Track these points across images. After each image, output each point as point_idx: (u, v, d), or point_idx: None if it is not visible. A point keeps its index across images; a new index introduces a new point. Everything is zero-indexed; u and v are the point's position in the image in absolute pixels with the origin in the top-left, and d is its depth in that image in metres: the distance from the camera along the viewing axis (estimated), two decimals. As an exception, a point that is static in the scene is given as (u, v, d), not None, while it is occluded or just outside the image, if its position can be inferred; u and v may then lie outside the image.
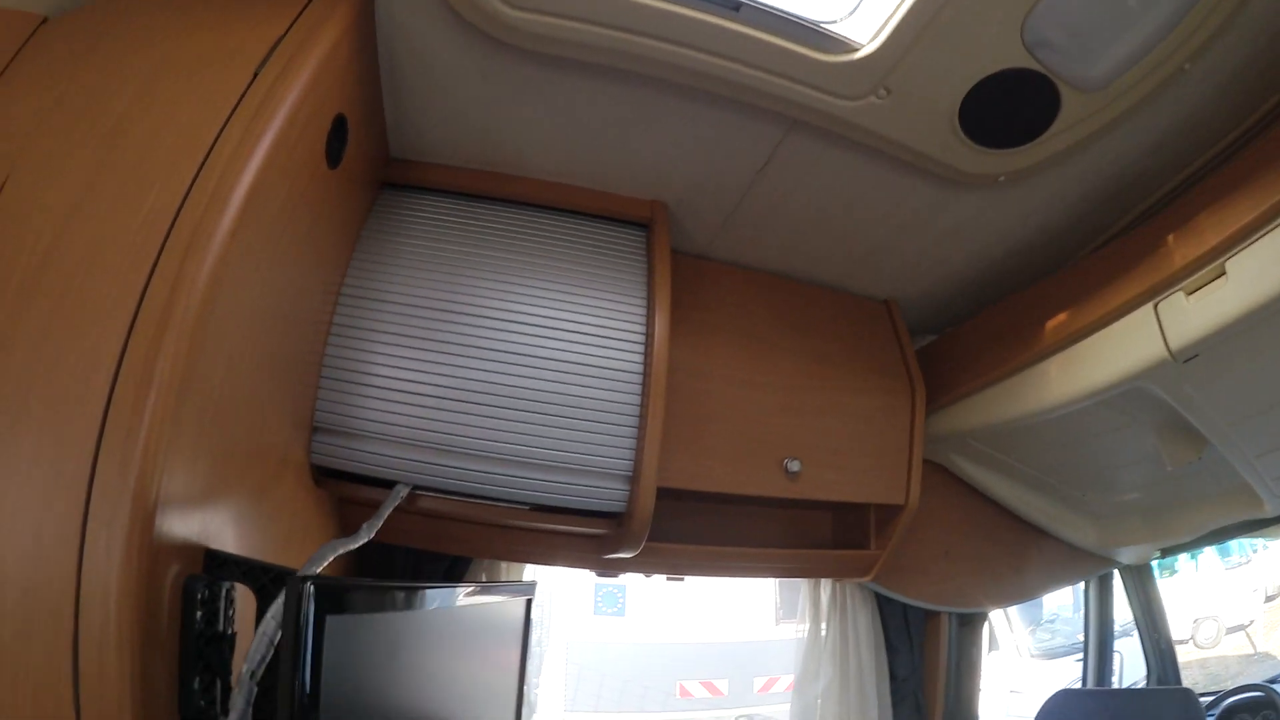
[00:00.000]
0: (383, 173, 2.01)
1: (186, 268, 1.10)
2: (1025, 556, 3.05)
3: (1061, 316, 2.08)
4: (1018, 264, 2.36)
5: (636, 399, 1.99)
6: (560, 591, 7.51)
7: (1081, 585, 3.40)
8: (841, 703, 2.65)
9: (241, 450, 1.34)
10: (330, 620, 1.01)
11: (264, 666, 1.09)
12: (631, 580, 7.57)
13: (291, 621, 0.96)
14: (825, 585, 2.69)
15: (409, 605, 1.33)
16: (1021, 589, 3.16)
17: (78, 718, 1.00)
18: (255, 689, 1.08)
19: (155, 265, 1.09)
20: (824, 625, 2.71)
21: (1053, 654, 6.54)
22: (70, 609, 1.01)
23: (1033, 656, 6.75)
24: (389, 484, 1.79)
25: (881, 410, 2.39)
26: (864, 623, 2.72)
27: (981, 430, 2.42)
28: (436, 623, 1.47)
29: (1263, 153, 1.75)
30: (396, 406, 1.84)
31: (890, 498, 2.33)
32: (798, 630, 2.78)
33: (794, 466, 2.19)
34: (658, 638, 7.35)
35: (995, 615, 5.30)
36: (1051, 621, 6.86)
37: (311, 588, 0.97)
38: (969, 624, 2.99)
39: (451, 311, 1.92)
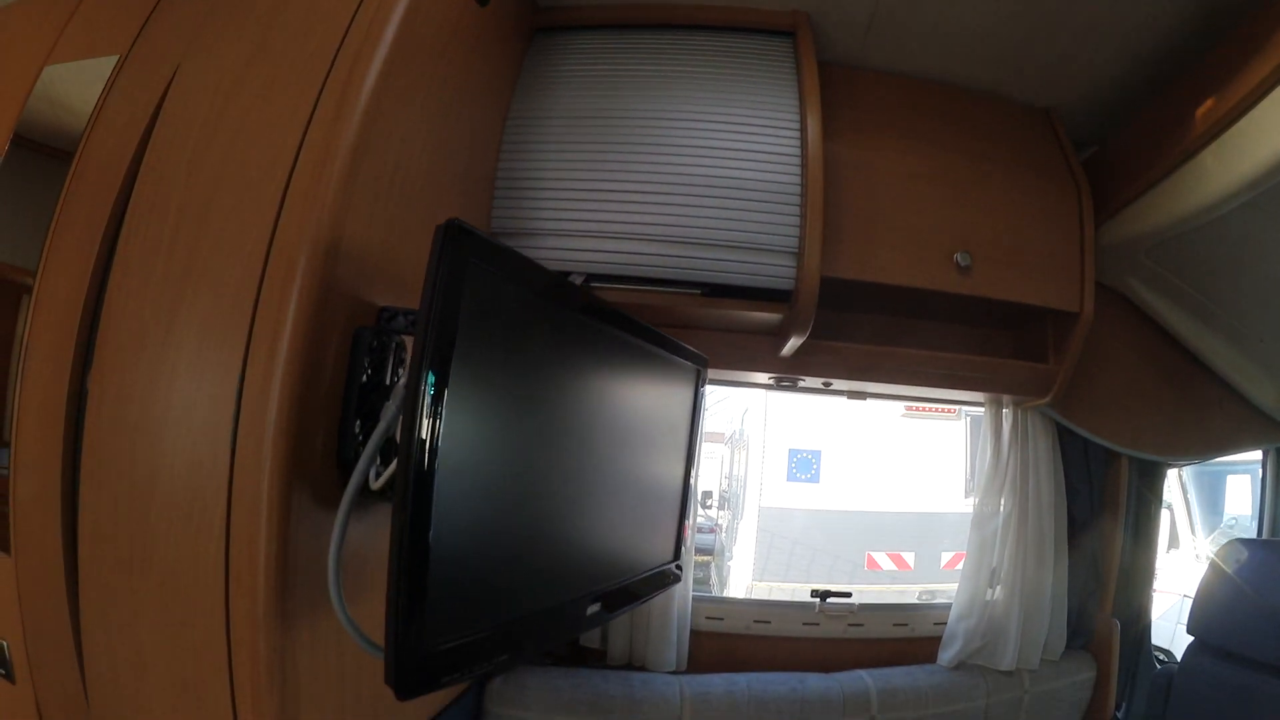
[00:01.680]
0: (532, 20, 2.09)
1: (355, 71, 1.28)
2: (1205, 409, 2.92)
3: (1209, 102, 1.94)
4: (1165, 57, 2.21)
5: (796, 180, 2.07)
6: (756, 459, 7.49)
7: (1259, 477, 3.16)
8: (1019, 536, 2.66)
9: (417, 225, 1.47)
10: (474, 267, 1.04)
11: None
12: (826, 446, 7.61)
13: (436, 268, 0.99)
14: (1007, 414, 2.67)
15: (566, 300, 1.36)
16: (1202, 444, 2.97)
17: (233, 446, 1.15)
18: None
19: (330, 70, 1.29)
20: (1003, 457, 2.69)
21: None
22: (242, 340, 1.16)
23: (1209, 557, 6.31)
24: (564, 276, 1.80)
25: (1049, 214, 2.33)
26: (1044, 455, 2.69)
27: (1148, 237, 2.31)
28: (606, 351, 1.52)
29: None
30: (568, 204, 1.97)
31: (1064, 304, 2.29)
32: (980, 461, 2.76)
33: (964, 260, 2.17)
34: (849, 506, 7.31)
35: (1177, 509, 5.30)
36: (1231, 526, 6.31)
37: (459, 225, 1.00)
38: (1149, 477, 2.94)
39: (613, 117, 2.08)
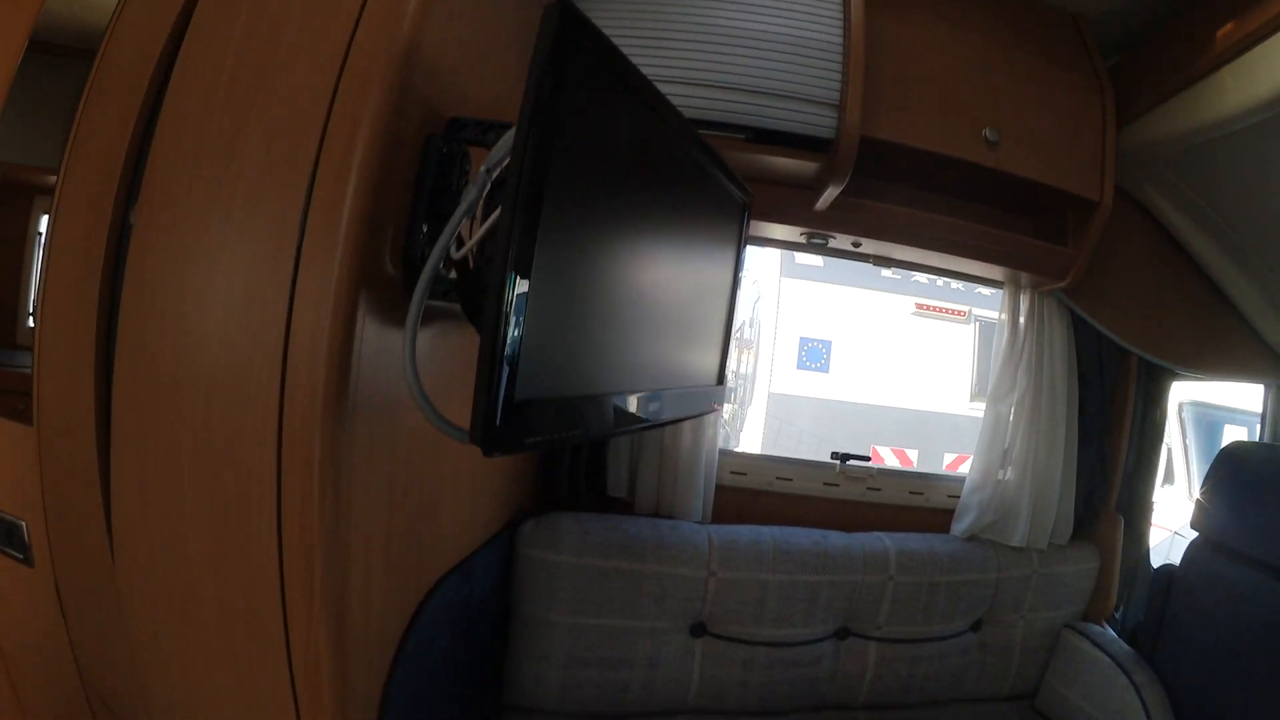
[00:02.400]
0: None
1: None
2: (1215, 330, 2.99)
3: (1229, 26, 2.01)
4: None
5: (839, 38, 2.17)
6: (768, 344, 7.56)
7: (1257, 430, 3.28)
8: (1033, 419, 2.75)
9: (485, 49, 1.52)
10: (574, 57, 1.04)
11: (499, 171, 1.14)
12: (836, 337, 7.65)
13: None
14: (1024, 296, 2.74)
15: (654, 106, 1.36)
16: (1209, 362, 3.04)
17: (299, 245, 1.13)
18: (489, 181, 1.15)
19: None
20: (1020, 338, 2.77)
21: None
22: (314, 146, 1.14)
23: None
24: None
25: (1074, 108, 2.41)
26: (1059, 341, 2.78)
27: (1167, 145, 2.36)
28: (679, 166, 1.56)
29: None
30: (621, 47, 1.97)
31: (1085, 191, 2.35)
32: (996, 340, 2.85)
33: (992, 135, 2.22)
34: (857, 398, 7.38)
35: (1175, 451, 5.45)
36: None
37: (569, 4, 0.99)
38: (1156, 384, 3.07)
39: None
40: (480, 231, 1.17)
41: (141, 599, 1.27)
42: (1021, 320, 2.76)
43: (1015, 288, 2.75)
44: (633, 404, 1.49)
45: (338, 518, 1.17)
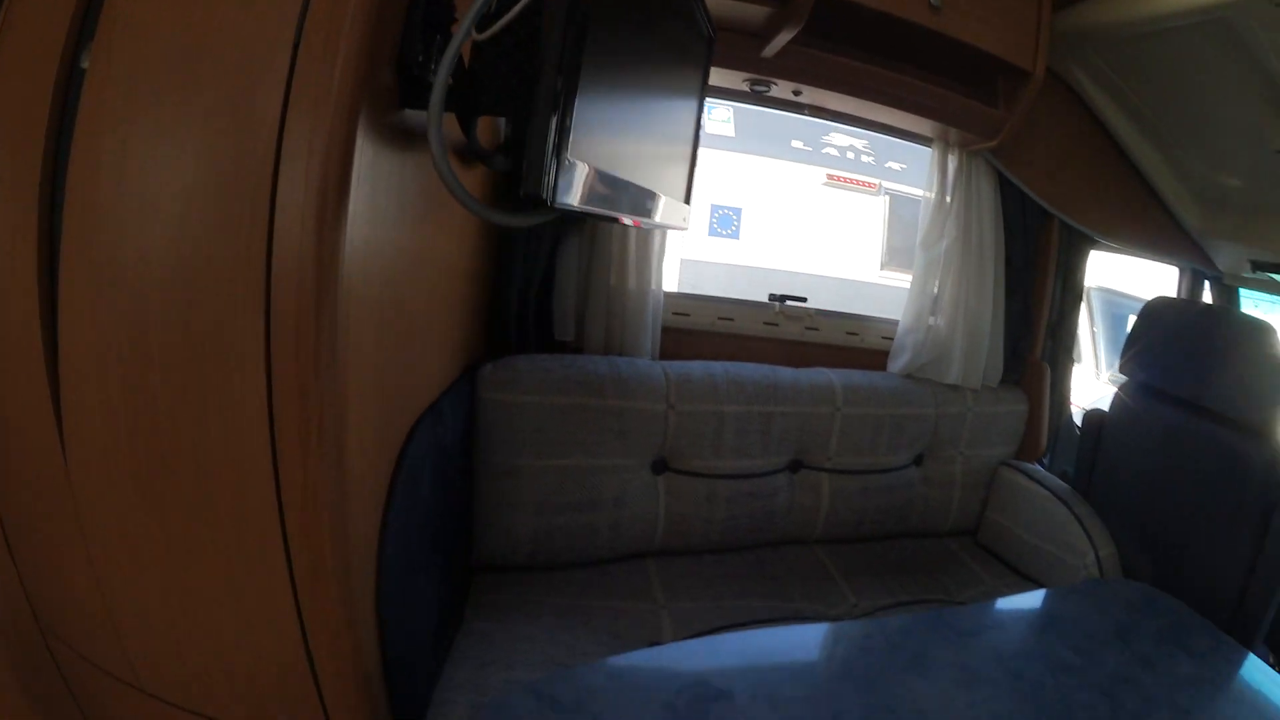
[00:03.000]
0: None
1: None
2: (1133, 206, 3.19)
3: None
4: None
5: None
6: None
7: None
8: (962, 264, 2.92)
9: None
10: None
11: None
12: (746, 204, 7.66)
13: None
14: (953, 155, 2.86)
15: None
16: (1126, 234, 3.29)
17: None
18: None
19: None
20: (949, 192, 2.89)
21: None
22: None
23: (1110, 383, 6.88)
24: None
25: None
26: (986, 196, 2.92)
27: (1099, 32, 2.51)
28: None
29: None
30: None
31: (1019, 60, 2.46)
32: (925, 193, 2.95)
33: (936, 0, 2.28)
34: (767, 264, 7.44)
35: (1084, 336, 5.61)
36: None
37: None
38: (1076, 248, 3.29)
39: None
40: (506, 18, 1.12)
41: (100, 492, 1.15)
42: (950, 175, 2.87)
43: (945, 144, 2.85)
44: (640, 196, 1.53)
45: (335, 342, 1.07)
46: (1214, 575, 2.47)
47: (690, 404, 2.38)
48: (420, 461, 1.59)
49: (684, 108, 1.96)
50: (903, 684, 1.55)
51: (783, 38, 2.20)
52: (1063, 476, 3.15)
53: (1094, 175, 3.11)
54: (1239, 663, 2.07)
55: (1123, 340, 2.90)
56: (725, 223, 7.95)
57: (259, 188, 1.00)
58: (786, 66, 2.38)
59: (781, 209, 8.06)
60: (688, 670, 1.45)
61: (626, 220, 1.64)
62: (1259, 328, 2.47)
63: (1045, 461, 3.28)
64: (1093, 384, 5.55)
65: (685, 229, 2.11)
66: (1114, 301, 6.55)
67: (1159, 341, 2.72)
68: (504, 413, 2.14)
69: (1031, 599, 2.16)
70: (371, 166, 1.13)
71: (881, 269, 8.31)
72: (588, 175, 1.18)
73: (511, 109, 1.22)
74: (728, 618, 2.13)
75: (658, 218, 1.71)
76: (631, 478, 2.32)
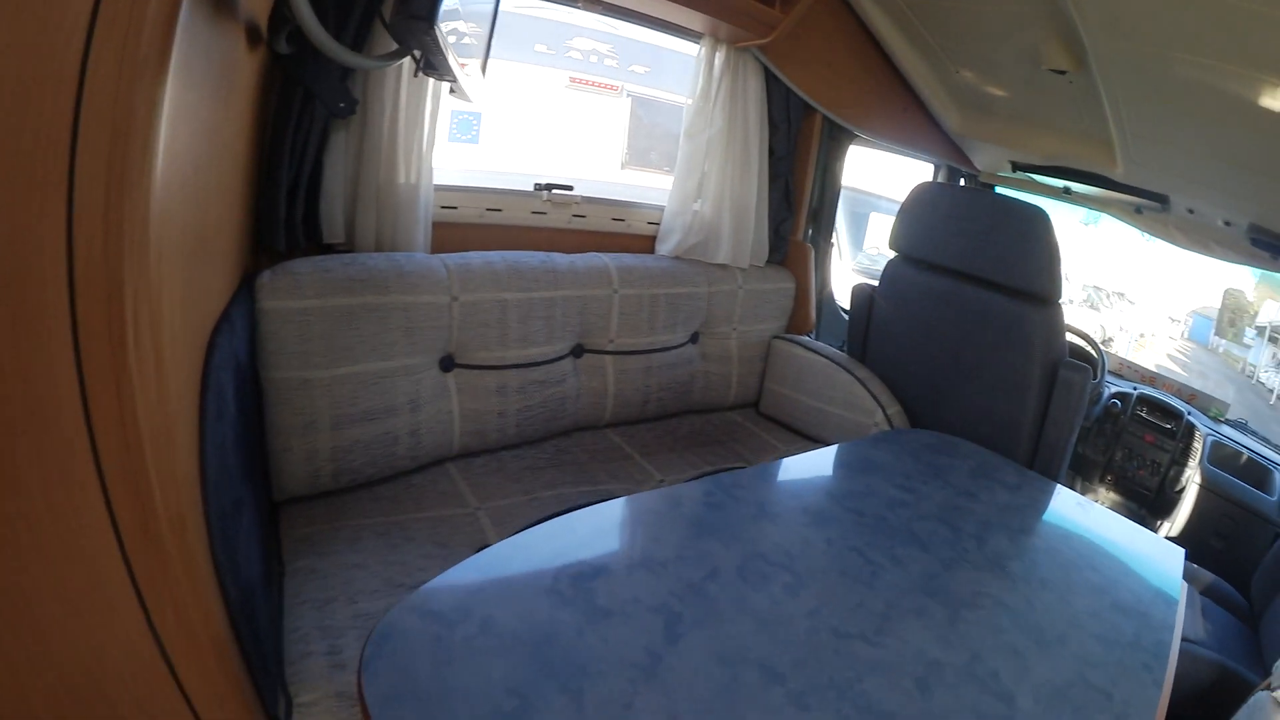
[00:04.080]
0: None
1: None
2: (894, 107, 3.50)
3: None
4: None
5: None
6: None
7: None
8: (727, 150, 3.06)
9: None
10: None
11: None
12: (486, 107, 7.50)
13: None
14: (720, 51, 2.96)
15: None
16: (886, 131, 3.59)
17: None
18: None
19: None
20: (715, 87, 2.99)
21: (872, 275, 7.57)
22: None
23: (855, 272, 7.92)
24: None
25: None
26: (753, 90, 3.07)
27: None
28: None
29: None
30: None
31: None
32: (686, 100, 3.05)
33: None
34: (507, 169, 7.34)
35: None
36: (873, 254, 8.13)
37: None
38: (837, 142, 3.61)
39: None
40: None
41: None
42: (717, 70, 2.96)
43: (714, 40, 2.94)
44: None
45: (147, 235, 0.89)
46: (1008, 426, 2.80)
47: (473, 293, 2.32)
48: (223, 379, 1.44)
49: None
50: (759, 531, 1.66)
51: None
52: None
53: (859, 76, 3.33)
54: (1050, 491, 2.38)
55: (864, 233, 3.11)
56: (464, 128, 7.74)
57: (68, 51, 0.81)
58: None
59: (524, 113, 8.02)
60: (554, 553, 1.44)
61: (464, 67, 1.54)
62: (1037, 214, 2.74)
63: (813, 336, 3.53)
64: (838, 269, 6.04)
65: (479, 102, 2.07)
66: (855, 199, 7.47)
67: (934, 220, 2.96)
68: (289, 321, 1.97)
69: (844, 450, 2.31)
70: (188, 29, 0.96)
71: (622, 168, 8.39)
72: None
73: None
74: (545, 508, 2.14)
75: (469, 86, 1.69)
76: (422, 377, 2.24)
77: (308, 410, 2.00)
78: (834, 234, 3.84)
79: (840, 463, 2.21)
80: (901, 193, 3.05)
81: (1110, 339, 26.19)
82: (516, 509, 2.13)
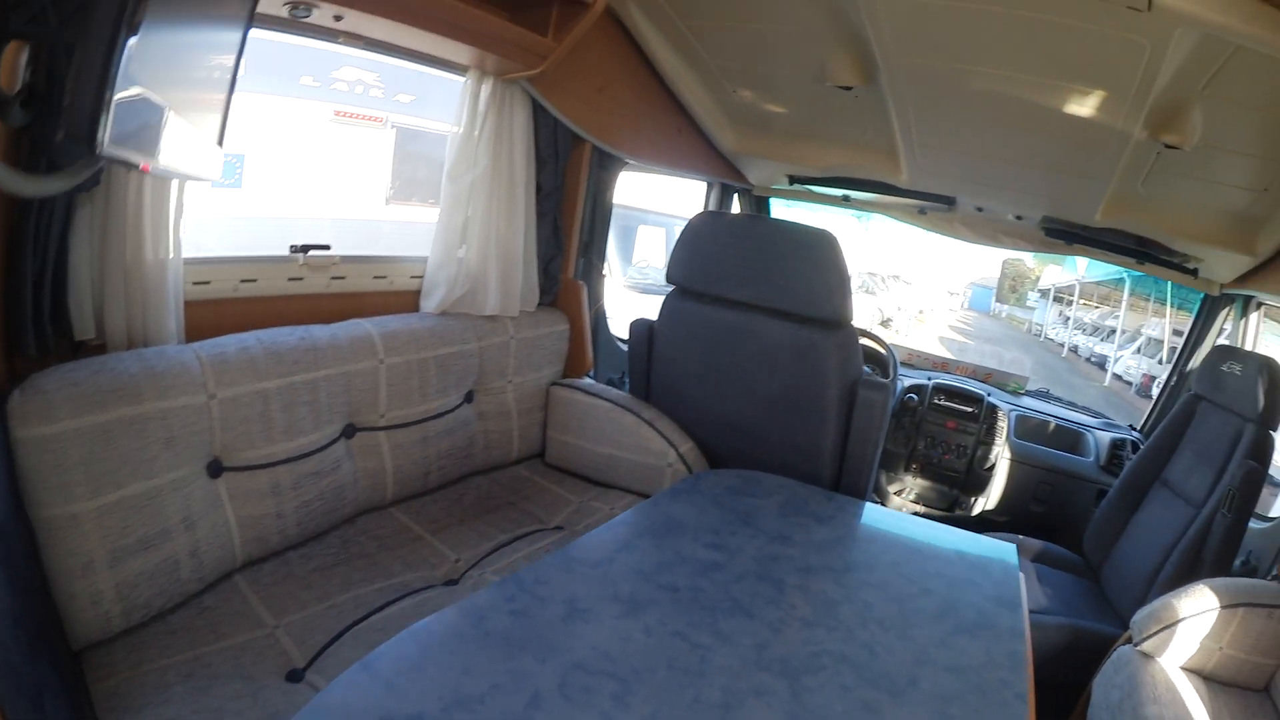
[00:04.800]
0: None
1: None
2: (666, 130, 3.60)
3: None
4: None
5: None
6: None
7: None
8: (491, 193, 2.98)
9: None
10: None
11: None
12: (250, 148, 7.17)
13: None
14: (488, 84, 2.88)
15: None
16: (656, 156, 3.70)
17: None
18: None
19: None
20: (479, 123, 2.90)
21: (643, 290, 7.94)
22: None
23: (625, 288, 8.21)
24: None
25: None
26: (520, 124, 3.02)
27: None
28: None
29: None
30: None
31: None
32: (453, 128, 2.93)
33: None
34: (274, 212, 7.06)
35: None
36: (643, 268, 8.44)
37: None
38: (608, 170, 3.57)
39: None
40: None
41: None
42: (483, 104, 2.89)
43: (480, 73, 2.87)
44: (181, 137, 1.45)
45: None
46: (811, 452, 2.84)
47: (230, 388, 2.14)
48: None
49: (226, 36, 1.78)
50: (572, 635, 1.57)
51: None
52: (610, 384, 3.50)
53: (631, 102, 3.39)
54: (860, 512, 2.48)
55: (632, 248, 3.14)
56: (227, 171, 7.36)
57: None
58: None
59: (289, 150, 7.72)
60: (364, 709, 1.32)
61: (170, 167, 1.42)
62: (824, 238, 2.75)
63: (593, 374, 3.57)
64: (608, 287, 6.14)
65: (217, 177, 1.93)
66: (622, 214, 7.38)
67: (714, 251, 2.95)
68: (45, 451, 1.74)
69: (644, 511, 2.26)
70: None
71: (387, 204, 8.26)
72: (139, 111, 1.05)
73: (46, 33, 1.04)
74: (344, 616, 2.04)
75: (196, 165, 1.62)
76: (192, 490, 2.05)
77: (81, 550, 1.79)
78: (606, 262, 3.88)
79: (642, 528, 2.14)
80: (669, 204, 3.10)
81: (889, 319, 28.08)
82: (315, 620, 2.02)
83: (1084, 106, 2.72)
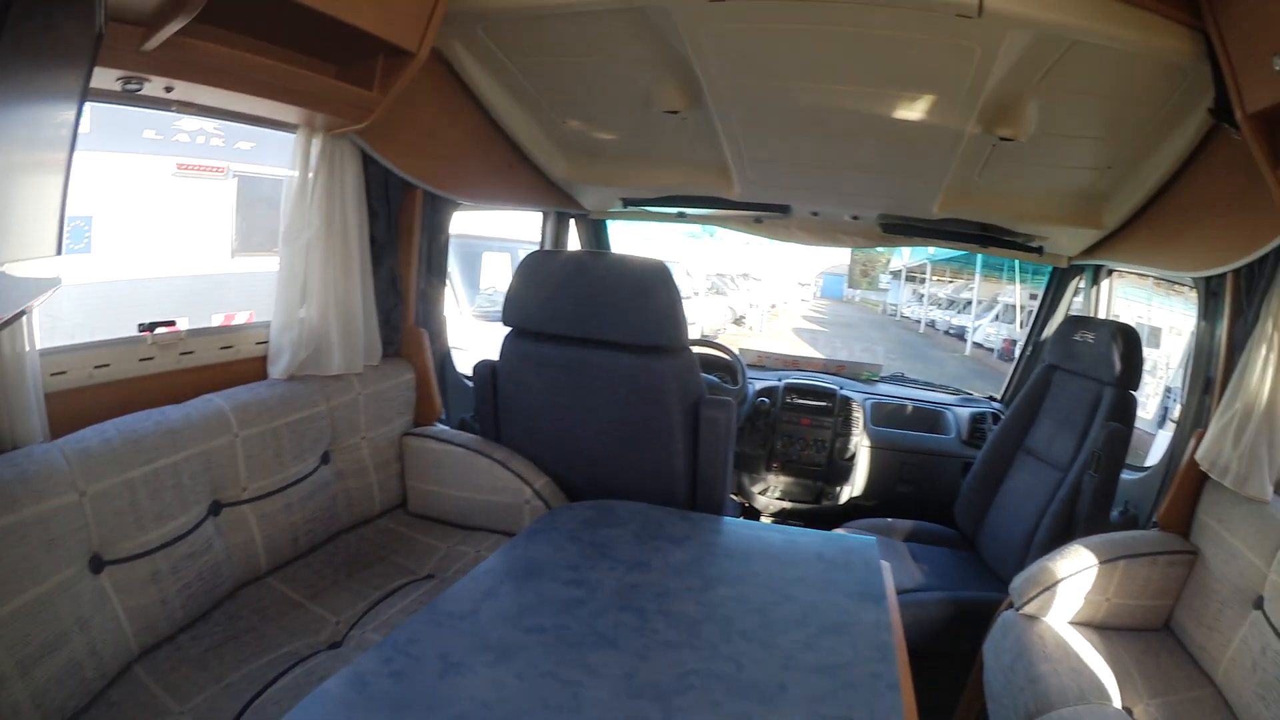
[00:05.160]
0: None
1: None
2: (497, 167, 3.75)
3: None
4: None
5: None
6: None
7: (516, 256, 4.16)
8: (327, 251, 3.06)
9: None
10: None
11: None
12: (98, 211, 7.02)
13: None
14: (318, 140, 2.94)
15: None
16: (488, 193, 3.88)
17: None
18: None
19: None
20: (311, 182, 2.96)
21: (493, 318, 8.06)
22: None
23: (474, 317, 8.35)
24: None
25: None
26: (351, 178, 3.09)
27: (493, 14, 2.78)
28: None
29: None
30: None
31: (405, 41, 2.56)
32: (288, 174, 2.97)
33: None
34: (124, 274, 6.91)
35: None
36: (490, 294, 8.47)
37: None
38: (440, 213, 3.69)
39: None
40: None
41: None
42: (314, 161, 2.95)
43: (310, 130, 2.93)
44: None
45: None
46: (663, 474, 2.99)
47: (98, 481, 2.16)
48: None
49: (57, 123, 1.73)
50: (450, 690, 1.62)
51: (172, 27, 2.03)
52: (462, 425, 3.68)
53: (461, 142, 3.53)
54: (719, 530, 2.65)
55: (477, 277, 3.26)
56: (76, 235, 7.13)
57: None
58: (164, 60, 2.18)
59: (136, 209, 7.56)
60: None
61: None
62: (654, 268, 2.88)
63: (444, 418, 3.69)
64: (458, 321, 6.14)
65: (59, 286, 1.91)
66: (467, 244, 7.86)
67: (549, 290, 3.04)
68: None
69: (503, 557, 2.34)
70: None
71: (233, 257, 8.17)
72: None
73: None
74: (241, 695, 2.11)
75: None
76: (79, 589, 2.07)
77: (-16, 669, 1.87)
78: (446, 292, 3.97)
79: (503, 574, 2.23)
80: (512, 230, 3.21)
81: (742, 317, 28.64)
82: (216, 702, 2.08)
83: (915, 111, 2.94)
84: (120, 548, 2.22)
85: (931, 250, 19.45)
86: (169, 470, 2.38)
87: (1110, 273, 4.40)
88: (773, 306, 36.11)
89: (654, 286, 2.85)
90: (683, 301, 2.91)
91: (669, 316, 2.85)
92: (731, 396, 4.32)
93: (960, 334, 27.02)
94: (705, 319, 21.71)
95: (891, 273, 42.82)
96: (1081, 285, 4.64)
